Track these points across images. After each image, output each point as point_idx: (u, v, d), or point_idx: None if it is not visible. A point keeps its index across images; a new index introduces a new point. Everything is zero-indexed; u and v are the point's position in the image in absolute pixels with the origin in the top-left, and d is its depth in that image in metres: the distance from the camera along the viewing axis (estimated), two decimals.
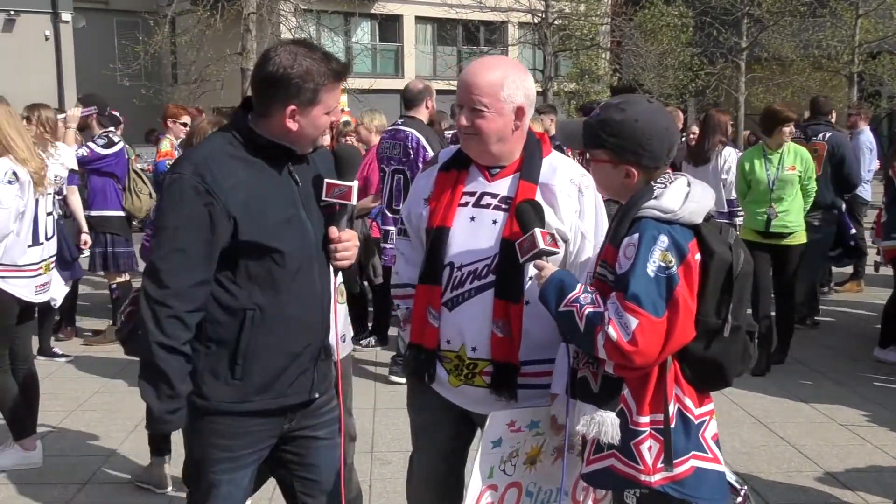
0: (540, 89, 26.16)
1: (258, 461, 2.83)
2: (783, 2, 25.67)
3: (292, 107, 2.60)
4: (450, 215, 2.81)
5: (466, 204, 2.81)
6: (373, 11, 30.19)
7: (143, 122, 19.47)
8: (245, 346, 2.63)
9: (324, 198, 2.70)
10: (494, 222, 2.79)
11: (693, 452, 2.55)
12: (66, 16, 23.72)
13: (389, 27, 33.01)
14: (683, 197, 2.53)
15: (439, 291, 2.82)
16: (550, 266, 2.61)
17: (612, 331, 2.40)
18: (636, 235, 2.48)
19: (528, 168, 2.82)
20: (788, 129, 6.67)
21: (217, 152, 2.64)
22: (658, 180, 2.58)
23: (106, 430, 5.53)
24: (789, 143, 6.73)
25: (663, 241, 2.45)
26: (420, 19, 33.03)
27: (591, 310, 2.48)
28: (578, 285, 2.54)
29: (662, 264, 2.43)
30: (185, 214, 2.55)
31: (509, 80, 2.74)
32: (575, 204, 2.82)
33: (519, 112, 2.77)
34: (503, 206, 2.79)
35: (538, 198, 2.78)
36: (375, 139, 7.30)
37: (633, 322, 2.39)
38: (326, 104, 2.65)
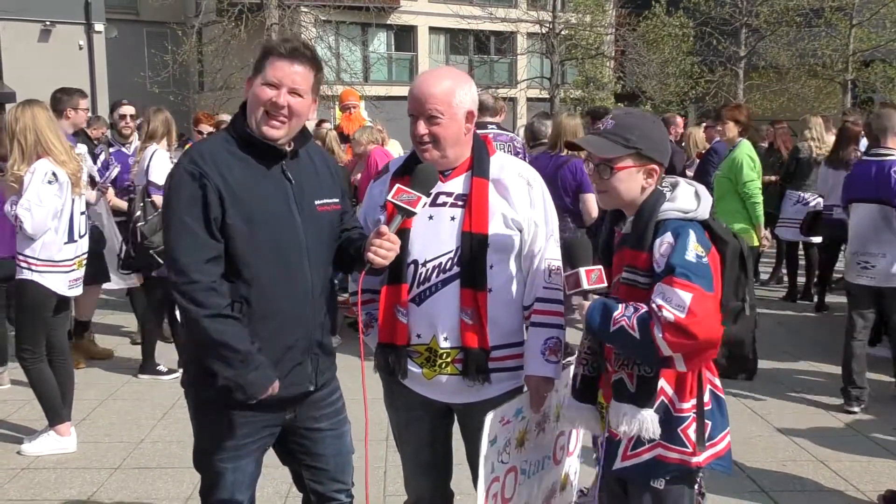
0: (547, 96, 26.15)
1: (261, 449, 2.83)
2: (780, 12, 25.56)
3: (249, 77, 2.68)
4: (409, 218, 2.79)
5: (424, 205, 2.79)
6: (389, 22, 30.22)
7: None
8: None
9: (389, 198, 2.66)
10: (453, 218, 2.82)
11: (728, 428, 2.63)
12: (98, 26, 23.84)
13: (404, 37, 33.01)
14: (694, 195, 2.58)
15: (405, 289, 2.82)
16: (587, 303, 2.57)
17: (668, 313, 2.36)
18: (668, 234, 2.49)
19: (479, 166, 2.86)
20: (720, 127, 6.73)
21: (216, 147, 2.68)
22: (662, 184, 2.61)
23: (136, 418, 5.56)
24: (741, 144, 6.71)
25: (692, 235, 2.48)
26: (433, 30, 33.02)
27: (639, 315, 2.44)
28: (620, 305, 2.50)
29: (698, 253, 2.45)
30: (184, 199, 2.57)
31: (459, 88, 2.79)
32: (526, 196, 2.86)
33: (469, 116, 2.82)
34: (459, 202, 2.83)
35: (491, 192, 2.82)
36: (370, 147, 7.67)
37: (688, 296, 2.36)
38: (265, 75, 2.63)
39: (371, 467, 4.60)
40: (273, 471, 3.08)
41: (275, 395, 2.67)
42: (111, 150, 7.53)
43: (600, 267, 2.60)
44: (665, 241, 2.49)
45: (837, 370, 6.62)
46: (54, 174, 4.76)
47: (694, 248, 2.45)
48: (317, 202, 2.77)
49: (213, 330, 2.53)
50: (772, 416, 5.58)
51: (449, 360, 2.83)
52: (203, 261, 2.55)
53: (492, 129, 7.56)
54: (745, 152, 6.66)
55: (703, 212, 2.55)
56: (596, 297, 2.58)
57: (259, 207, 2.62)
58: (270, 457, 2.96)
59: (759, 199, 6.53)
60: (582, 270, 2.57)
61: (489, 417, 2.66)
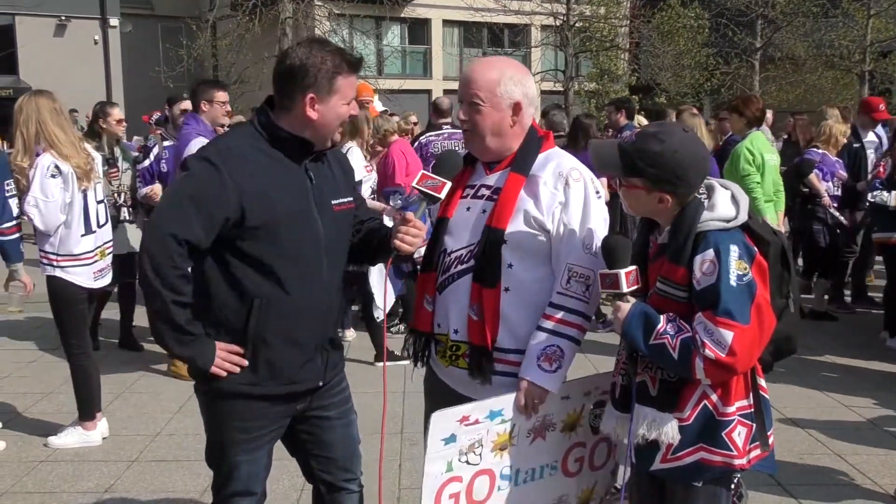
0: (561, 89, 26.05)
1: (274, 440, 2.85)
2: (796, 3, 25.34)
3: (311, 95, 2.61)
4: (451, 207, 2.82)
5: (466, 196, 2.80)
6: (402, 15, 30.17)
7: None
8: (253, 333, 2.64)
9: (414, 185, 2.68)
10: (484, 212, 2.78)
11: (772, 428, 2.61)
12: (113, 21, 23.96)
13: (418, 30, 32.95)
14: (731, 200, 2.52)
15: (434, 277, 2.84)
16: (626, 305, 2.52)
17: (710, 352, 2.38)
18: (710, 251, 2.43)
19: (521, 161, 2.79)
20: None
21: (241, 143, 2.67)
22: (698, 191, 2.55)
23: (152, 412, 5.59)
24: (748, 136, 6.68)
25: (734, 250, 2.43)
26: (447, 23, 32.92)
27: (682, 338, 2.43)
28: (662, 317, 2.47)
29: (740, 272, 2.41)
30: (198, 186, 2.58)
31: (507, 78, 2.74)
32: (560, 195, 2.73)
33: (516, 108, 2.76)
34: (494, 196, 2.78)
35: (523, 189, 2.75)
36: (392, 139, 7.56)
37: (729, 335, 2.37)
38: (344, 94, 2.65)
39: (385, 460, 4.61)
40: (289, 463, 3.08)
41: (293, 389, 2.72)
42: (165, 144, 7.10)
43: (636, 267, 2.54)
44: (707, 259, 2.43)
45: (855, 363, 6.61)
46: (57, 167, 4.74)
47: (736, 268, 2.40)
48: (334, 202, 2.78)
49: (176, 314, 2.58)
50: (788, 409, 5.55)
51: (459, 353, 2.82)
52: (188, 249, 2.57)
53: (446, 128, 8.62)
54: (746, 145, 6.62)
55: (743, 216, 2.50)
56: (631, 299, 2.54)
57: (282, 205, 2.62)
58: (285, 449, 2.98)
59: (758, 193, 6.48)
60: (622, 272, 2.50)
61: (434, 416, 2.60)
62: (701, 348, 2.39)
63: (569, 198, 2.73)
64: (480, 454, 2.69)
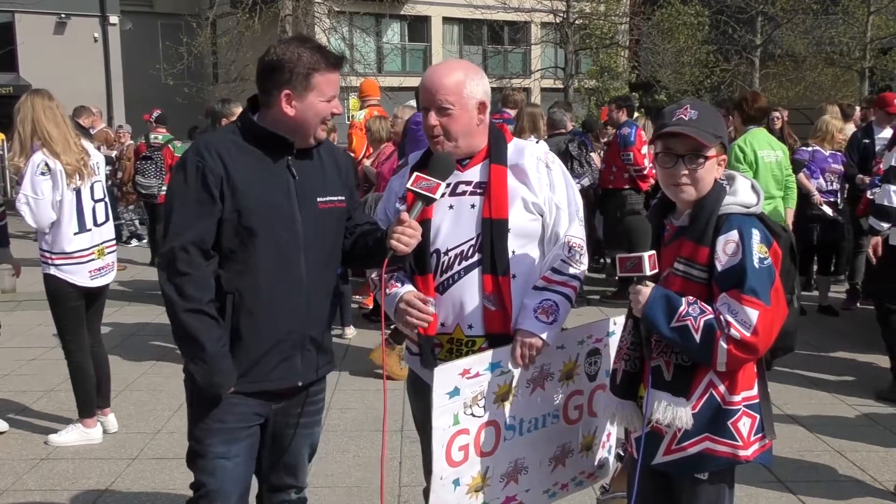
0: (561, 86, 26.06)
1: (250, 438, 2.79)
2: (796, 0, 25.32)
3: (287, 91, 2.62)
4: (429, 208, 2.82)
5: (443, 195, 2.80)
6: (402, 13, 30.17)
7: (185, 118, 19.63)
8: (231, 328, 2.64)
9: (408, 186, 2.70)
10: (473, 206, 2.83)
11: (773, 421, 2.62)
12: (113, 19, 23.97)
13: (418, 28, 32.94)
14: (751, 189, 2.57)
15: (431, 279, 2.85)
16: (646, 289, 2.52)
17: (735, 332, 2.38)
18: (734, 232, 2.46)
19: (496, 153, 2.88)
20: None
21: (221, 140, 2.70)
22: (720, 177, 2.60)
23: (153, 410, 5.59)
24: (745, 133, 6.68)
25: (756, 234, 2.46)
26: (447, 20, 32.91)
27: (705, 319, 2.42)
28: (683, 299, 2.47)
29: (762, 255, 2.43)
30: (191, 191, 2.60)
31: (469, 80, 2.81)
32: (545, 178, 2.88)
33: (481, 107, 2.84)
34: (478, 190, 2.85)
35: (510, 178, 2.84)
36: None
37: (754, 314, 2.37)
38: (321, 91, 2.65)
39: (386, 458, 4.61)
40: None
41: (263, 387, 2.72)
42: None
43: (654, 251, 2.55)
44: (730, 240, 2.45)
45: (855, 360, 6.61)
46: (47, 165, 4.72)
47: (758, 251, 2.43)
48: (319, 199, 2.76)
49: (188, 325, 2.58)
50: (789, 405, 5.55)
51: (476, 348, 2.83)
52: (198, 252, 2.58)
53: None
54: (738, 143, 6.64)
55: (761, 206, 2.55)
56: (650, 283, 2.54)
57: (258, 200, 2.62)
58: None
59: None
60: (645, 256, 2.50)
61: (437, 371, 2.65)
62: (726, 328, 2.39)
63: (553, 179, 2.90)
64: (484, 406, 2.76)
